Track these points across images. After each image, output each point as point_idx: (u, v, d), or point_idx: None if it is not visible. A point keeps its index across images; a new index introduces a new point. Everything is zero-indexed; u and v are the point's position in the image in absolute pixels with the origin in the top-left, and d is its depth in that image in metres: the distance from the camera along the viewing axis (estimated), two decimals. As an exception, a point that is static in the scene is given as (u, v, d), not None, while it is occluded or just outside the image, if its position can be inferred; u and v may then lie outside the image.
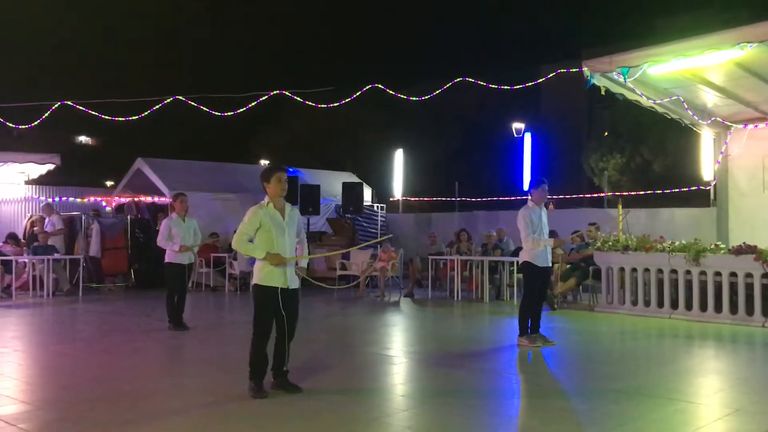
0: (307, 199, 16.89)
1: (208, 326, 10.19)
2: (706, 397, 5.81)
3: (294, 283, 5.72)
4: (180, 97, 12.54)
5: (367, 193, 19.32)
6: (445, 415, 5.15)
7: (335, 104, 14.14)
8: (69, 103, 12.51)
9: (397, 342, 9.16)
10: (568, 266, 12.43)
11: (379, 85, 13.11)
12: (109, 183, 27.81)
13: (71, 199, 18.46)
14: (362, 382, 6.37)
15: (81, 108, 12.98)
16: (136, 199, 17.50)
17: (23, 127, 13.12)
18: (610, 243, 11.41)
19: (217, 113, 13.51)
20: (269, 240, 5.61)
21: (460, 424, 4.96)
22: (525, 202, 8.31)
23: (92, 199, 18.72)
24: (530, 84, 13.17)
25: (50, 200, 17.11)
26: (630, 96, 11.50)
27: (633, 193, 19.78)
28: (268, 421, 4.95)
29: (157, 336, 8.98)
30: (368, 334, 9.71)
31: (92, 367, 7.07)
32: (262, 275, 5.62)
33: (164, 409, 5.25)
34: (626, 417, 5.09)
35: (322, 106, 14.37)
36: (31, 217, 16.80)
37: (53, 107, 12.43)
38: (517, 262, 10.03)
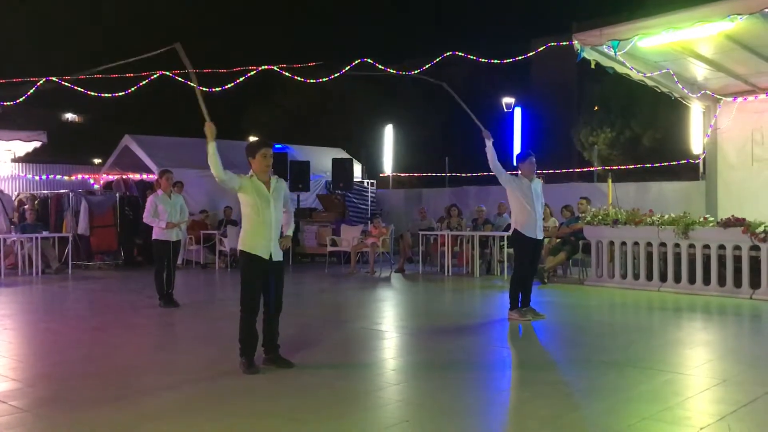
0: (297, 175, 16.84)
1: (199, 303, 10.19)
2: (695, 368, 5.87)
3: (278, 256, 5.72)
4: (167, 73, 12.41)
5: (357, 169, 19.27)
6: (436, 388, 5.17)
7: (324, 79, 14.03)
8: (54, 79, 12.35)
9: (389, 317, 9.18)
10: (558, 240, 12.48)
11: (369, 60, 13.01)
12: (96, 160, 27.59)
13: (59, 176, 18.33)
14: (354, 356, 6.39)
15: (66, 84, 12.83)
16: (124, 176, 17.39)
17: (8, 104, 12.96)
18: (600, 217, 11.45)
19: (205, 89, 13.37)
20: (255, 210, 5.60)
21: (452, 396, 4.99)
22: (515, 177, 8.32)
23: (80, 176, 18.59)
24: (520, 58, 13.10)
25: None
26: (620, 69, 11.46)
27: (623, 167, 19.82)
28: (260, 396, 4.96)
29: (147, 313, 8.97)
30: (359, 309, 9.74)
31: (83, 344, 7.06)
32: (247, 242, 5.63)
33: (156, 386, 5.25)
34: (616, 388, 5.14)
35: (311, 81, 14.26)
36: (18, 195, 16.68)
37: (38, 83, 12.28)
38: (508, 236, 10.06)
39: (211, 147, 5.55)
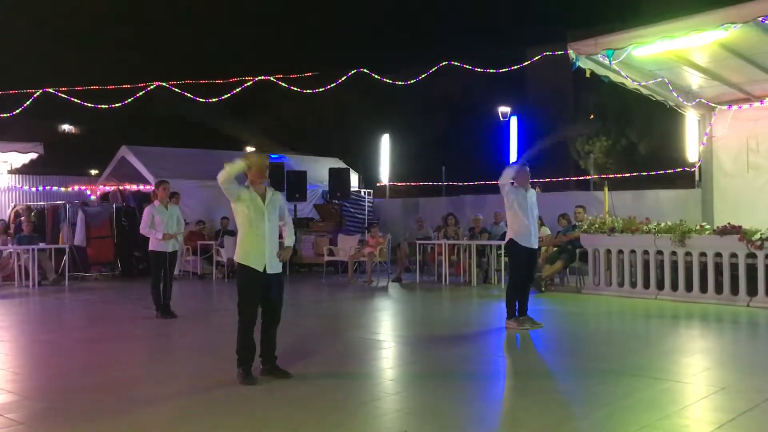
0: (293, 185, 16.84)
1: (196, 314, 10.17)
2: (693, 376, 5.87)
3: (275, 268, 5.70)
4: (164, 84, 12.44)
5: (354, 179, 19.28)
6: (434, 398, 5.17)
7: (321, 89, 14.08)
8: (51, 90, 12.37)
9: (386, 326, 9.17)
10: (555, 249, 12.49)
11: (365, 70, 13.06)
12: (93, 171, 27.57)
13: (55, 188, 18.30)
14: (351, 366, 6.37)
15: (63, 96, 12.85)
16: (121, 187, 17.38)
17: (5, 115, 12.96)
18: (597, 225, 11.46)
19: (201, 99, 13.42)
20: (249, 222, 5.60)
21: (450, 406, 4.98)
22: (514, 187, 8.33)
23: (77, 187, 18.57)
24: (516, 67, 13.16)
25: None
26: (615, 78, 11.51)
27: (619, 175, 19.87)
28: (258, 408, 4.95)
29: (144, 324, 8.95)
30: (357, 318, 9.73)
31: (80, 355, 7.04)
32: (241, 254, 5.63)
33: (153, 397, 5.24)
34: (614, 397, 5.13)
35: (308, 91, 14.31)
36: (15, 206, 16.65)
37: (35, 95, 12.29)
38: (504, 245, 10.06)
39: (236, 166, 5.53)
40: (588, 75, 11.26)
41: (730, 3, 9.27)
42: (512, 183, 8.32)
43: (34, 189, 18.09)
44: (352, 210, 18.63)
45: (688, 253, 10.31)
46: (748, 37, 9.63)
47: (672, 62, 11.05)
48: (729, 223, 10.09)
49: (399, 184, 23.54)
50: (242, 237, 5.66)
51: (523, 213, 8.09)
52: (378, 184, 21.24)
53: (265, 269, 5.62)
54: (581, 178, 22.19)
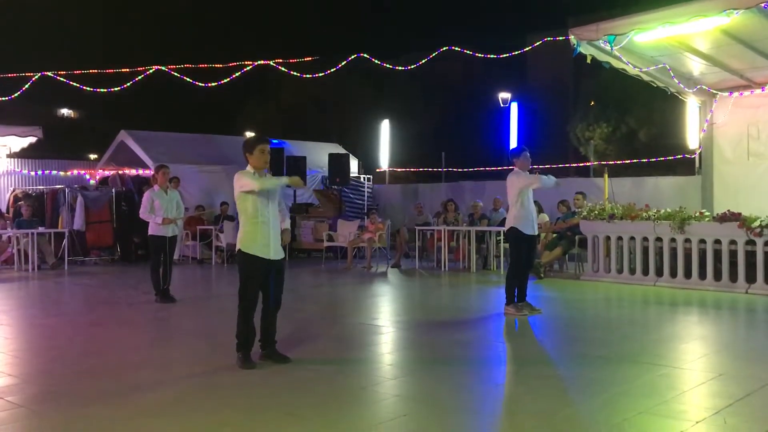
0: (293, 170, 16.80)
1: (196, 299, 10.19)
2: (691, 362, 5.88)
3: (278, 254, 5.70)
4: (163, 68, 12.37)
5: (354, 165, 19.27)
6: (433, 383, 5.18)
7: (321, 74, 14.02)
8: (49, 74, 12.31)
9: (385, 312, 9.19)
10: (555, 235, 12.49)
11: (365, 55, 12.99)
12: (92, 156, 27.55)
13: (54, 172, 18.29)
14: (350, 351, 6.39)
15: (62, 79, 12.79)
16: (120, 172, 17.36)
17: (3, 99, 12.90)
18: (596, 212, 11.46)
19: (201, 84, 13.35)
20: (256, 208, 5.57)
21: (448, 391, 5.00)
22: (511, 171, 8.31)
23: (76, 172, 18.55)
24: (516, 53, 13.10)
25: None
26: (616, 64, 11.46)
27: (619, 162, 19.84)
28: (257, 392, 4.96)
29: (144, 309, 8.96)
30: (356, 304, 9.74)
31: (79, 340, 7.06)
32: (247, 243, 5.60)
33: (151, 381, 5.25)
34: (612, 382, 5.15)
35: (308, 76, 14.24)
36: (14, 190, 16.64)
37: (33, 79, 12.23)
38: (504, 231, 10.07)
39: (283, 181, 5.71)
40: (589, 61, 11.22)
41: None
42: (512, 168, 8.30)
43: (33, 173, 18.08)
44: (351, 196, 18.62)
45: (687, 240, 10.32)
46: (750, 23, 9.58)
47: (673, 48, 11.00)
48: (728, 210, 10.09)
49: (398, 170, 23.54)
50: (247, 224, 5.61)
51: (526, 200, 8.09)
52: (377, 170, 21.24)
53: (270, 255, 5.62)
54: (581, 164, 22.15)
